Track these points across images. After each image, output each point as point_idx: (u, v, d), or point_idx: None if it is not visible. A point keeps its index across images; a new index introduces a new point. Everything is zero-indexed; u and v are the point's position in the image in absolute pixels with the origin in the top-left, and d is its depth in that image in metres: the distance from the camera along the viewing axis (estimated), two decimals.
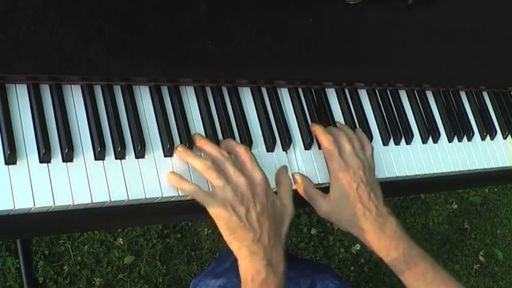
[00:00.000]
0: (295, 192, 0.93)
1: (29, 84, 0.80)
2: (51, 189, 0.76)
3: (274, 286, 0.83)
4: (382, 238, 0.92)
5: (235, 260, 0.85)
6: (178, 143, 0.87)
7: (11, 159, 0.75)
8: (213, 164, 0.84)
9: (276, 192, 0.89)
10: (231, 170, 0.84)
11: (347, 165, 0.94)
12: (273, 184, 0.90)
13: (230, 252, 0.85)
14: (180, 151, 0.86)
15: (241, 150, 0.87)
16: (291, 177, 0.93)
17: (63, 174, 0.78)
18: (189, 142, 0.87)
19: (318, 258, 2.08)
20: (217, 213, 0.82)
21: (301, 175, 0.95)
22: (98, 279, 1.73)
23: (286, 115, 0.98)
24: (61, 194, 0.77)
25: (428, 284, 0.91)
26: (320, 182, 0.96)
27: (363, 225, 0.92)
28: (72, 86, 0.83)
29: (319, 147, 0.98)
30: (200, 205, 0.83)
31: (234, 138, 0.91)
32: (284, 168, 0.92)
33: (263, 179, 0.85)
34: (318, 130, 0.97)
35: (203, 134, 0.90)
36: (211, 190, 0.84)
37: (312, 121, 0.99)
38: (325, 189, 0.96)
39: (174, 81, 0.90)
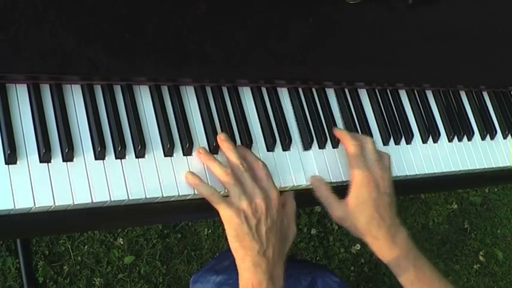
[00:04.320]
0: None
1: (29, 84, 0.80)
2: (51, 189, 0.76)
3: None
4: (394, 248, 0.93)
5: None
6: (179, 143, 0.87)
7: (11, 159, 0.75)
8: (232, 172, 0.85)
9: None
10: (249, 181, 0.85)
11: (371, 173, 0.94)
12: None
13: (231, 252, 0.85)
14: (201, 153, 0.87)
15: (259, 165, 0.88)
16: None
17: (63, 174, 0.78)
18: (189, 143, 0.87)
19: (318, 258, 2.08)
20: (230, 219, 0.83)
21: (319, 178, 0.95)
22: (98, 279, 1.73)
23: (286, 115, 0.98)
24: (61, 193, 0.77)
25: None
26: None
27: (376, 234, 0.93)
28: (72, 85, 0.83)
29: (319, 147, 0.98)
30: (201, 206, 0.83)
31: (234, 138, 0.91)
32: (291, 193, 0.92)
33: (277, 197, 0.87)
34: (343, 135, 0.98)
35: (203, 134, 0.90)
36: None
37: (311, 121, 0.99)
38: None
39: (174, 81, 0.90)
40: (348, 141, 0.96)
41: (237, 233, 0.83)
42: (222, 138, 0.88)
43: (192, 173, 0.85)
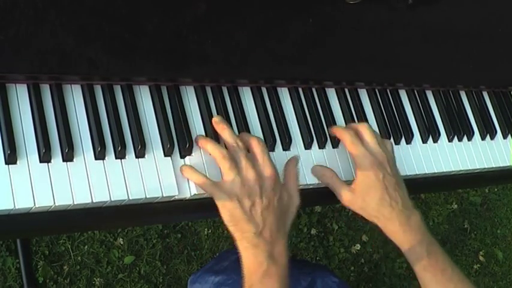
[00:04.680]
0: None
1: (29, 84, 0.80)
2: (51, 189, 0.76)
3: (277, 277, 0.84)
4: (408, 231, 0.92)
5: (236, 260, 0.85)
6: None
7: (11, 158, 0.75)
8: (229, 154, 0.84)
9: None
10: (243, 161, 0.85)
11: (372, 155, 0.93)
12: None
13: (231, 252, 0.85)
14: (200, 138, 0.87)
15: (254, 142, 0.87)
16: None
17: (63, 174, 0.78)
18: (189, 142, 0.87)
19: (318, 258, 2.08)
20: (223, 204, 0.83)
21: (320, 166, 0.95)
22: (98, 279, 1.74)
23: (286, 115, 0.98)
24: (61, 193, 0.77)
25: (447, 281, 0.91)
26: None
27: (389, 215, 0.92)
28: (72, 85, 0.83)
29: (319, 146, 0.98)
30: (201, 206, 0.84)
31: None
32: (293, 159, 0.92)
33: (272, 174, 0.86)
34: (337, 129, 0.98)
35: (203, 134, 0.90)
36: (221, 179, 0.85)
37: (311, 121, 0.99)
38: (318, 190, 0.96)
39: (174, 81, 0.90)
40: (342, 132, 0.96)
41: (231, 218, 0.83)
42: (216, 120, 0.88)
43: (187, 165, 0.85)
